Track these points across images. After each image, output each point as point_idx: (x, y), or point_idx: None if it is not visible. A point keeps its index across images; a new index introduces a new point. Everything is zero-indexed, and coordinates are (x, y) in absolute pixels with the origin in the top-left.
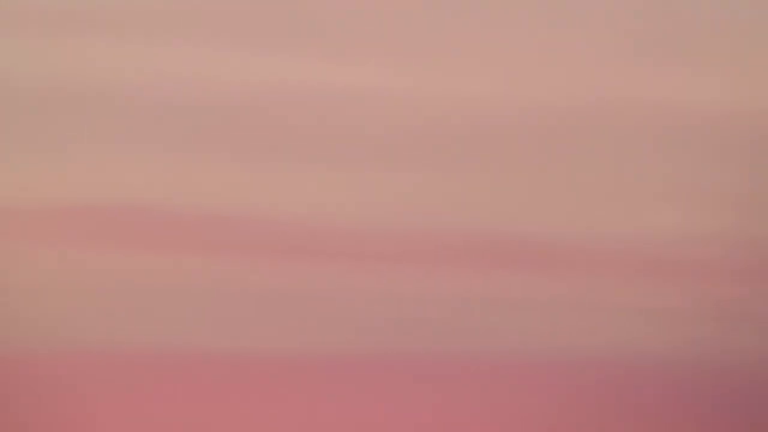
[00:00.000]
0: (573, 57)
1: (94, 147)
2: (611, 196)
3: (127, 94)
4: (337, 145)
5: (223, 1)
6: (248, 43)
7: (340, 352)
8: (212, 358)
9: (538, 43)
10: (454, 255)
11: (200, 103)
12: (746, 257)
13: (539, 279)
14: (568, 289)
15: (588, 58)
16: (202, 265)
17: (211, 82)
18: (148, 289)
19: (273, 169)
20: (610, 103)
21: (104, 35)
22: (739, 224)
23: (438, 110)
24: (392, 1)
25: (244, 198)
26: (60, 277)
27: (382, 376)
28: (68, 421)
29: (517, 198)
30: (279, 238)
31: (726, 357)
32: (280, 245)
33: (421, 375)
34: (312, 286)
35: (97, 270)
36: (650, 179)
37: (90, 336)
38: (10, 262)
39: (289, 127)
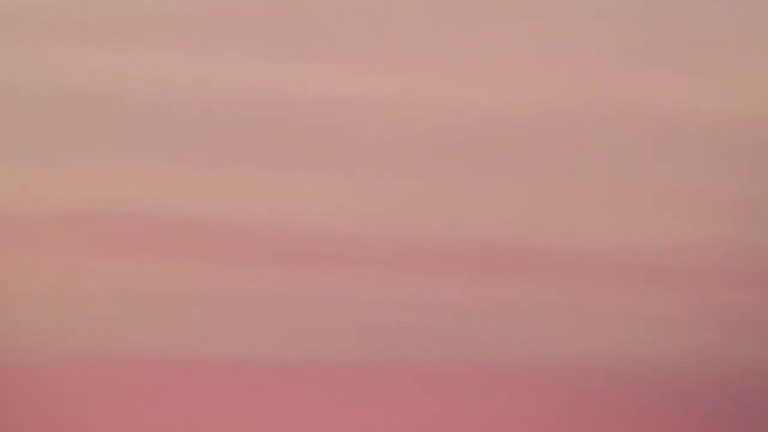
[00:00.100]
0: (572, 63)
1: (94, 153)
2: (611, 202)
3: (127, 100)
4: (336, 152)
5: (223, 8)
6: (248, 49)
7: (339, 359)
8: (213, 365)
9: (537, 49)
10: (453, 261)
11: (199, 109)
12: (746, 264)
13: (538, 285)
14: (567, 295)
15: (587, 64)
16: (203, 271)
17: (211, 89)
18: (149, 295)
19: (273, 176)
20: (610, 109)
21: (104, 42)
22: (740, 231)
23: (437, 116)
24: (390, 7)
25: (243, 204)
26: (59, 284)
27: (381, 383)
28: (69, 427)
29: (517, 205)
30: (279, 244)
31: (726, 364)
32: (280, 251)
33: (419, 381)
34: (312, 293)
35: (98, 276)
36: (650, 186)
37: (90, 342)
38: (10, 269)
39: (288, 133)
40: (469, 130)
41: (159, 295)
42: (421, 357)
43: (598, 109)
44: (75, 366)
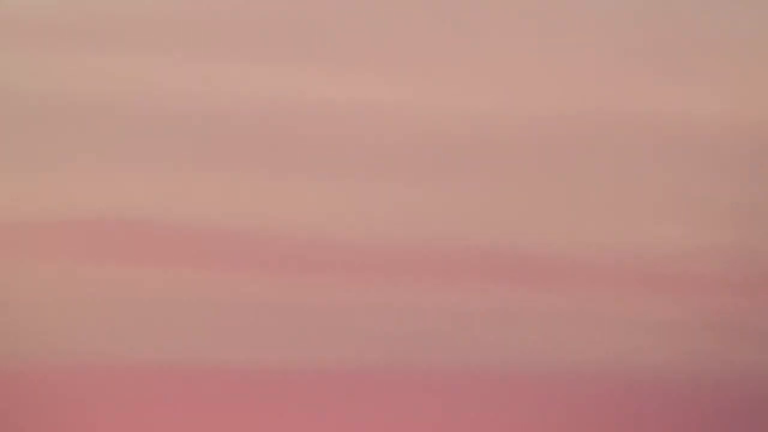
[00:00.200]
0: (572, 69)
1: (94, 159)
2: (610, 208)
3: (127, 106)
4: (337, 158)
5: (224, 15)
6: (248, 56)
7: (339, 365)
8: (212, 371)
9: (536, 56)
10: (453, 268)
11: (198, 116)
12: (746, 270)
13: (538, 292)
14: (567, 301)
15: (587, 70)
16: (203, 278)
17: (210, 96)
18: (148, 301)
19: (273, 182)
20: (609, 116)
21: (105, 48)
22: (739, 237)
23: (437, 123)
24: (391, 14)
25: (243, 211)
26: (59, 290)
27: (381, 389)
28: None
29: (517, 211)
30: (278, 251)
31: (726, 370)
32: (280, 258)
33: (419, 388)
34: (312, 299)
35: (98, 283)
36: (650, 192)
37: (90, 349)
38: (10, 276)
39: (288, 139)
40: (469, 136)
41: (158, 301)
42: (421, 363)
43: (598, 116)
44: (75, 372)
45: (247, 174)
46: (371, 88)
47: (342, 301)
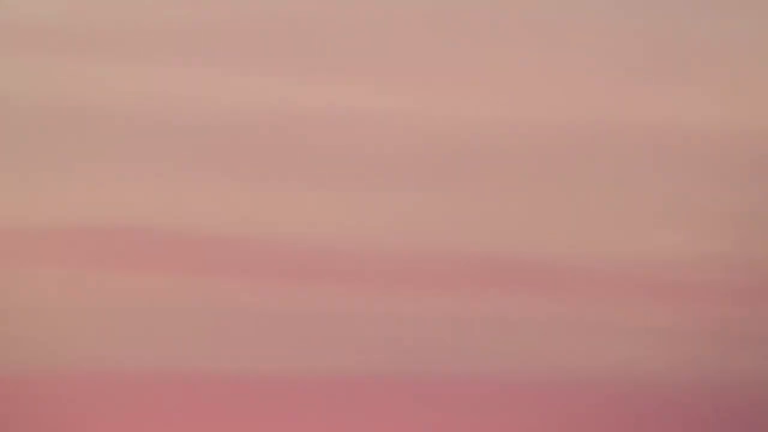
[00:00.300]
0: (571, 78)
1: (95, 167)
2: (610, 216)
3: (127, 114)
4: (336, 166)
5: (223, 23)
6: (250, 65)
7: (340, 373)
8: (213, 378)
9: (536, 64)
10: (454, 276)
11: (201, 123)
12: (746, 278)
13: (538, 299)
14: (567, 309)
15: (586, 78)
16: (204, 286)
17: (212, 103)
18: (150, 309)
19: (274, 190)
20: (609, 124)
21: (105, 55)
22: (739, 245)
23: (437, 131)
24: (392, 24)
25: (244, 218)
26: (60, 297)
27: (382, 396)
28: None
29: (517, 219)
30: (280, 259)
31: (726, 378)
32: (281, 266)
33: (419, 396)
34: (313, 307)
35: (100, 290)
36: (649, 200)
37: (92, 355)
38: (12, 282)
39: (290, 148)
40: (470, 145)
41: (160, 308)
42: (421, 370)
43: (598, 124)
44: (77, 378)
45: (250, 182)
46: (372, 98)
47: (343, 309)
